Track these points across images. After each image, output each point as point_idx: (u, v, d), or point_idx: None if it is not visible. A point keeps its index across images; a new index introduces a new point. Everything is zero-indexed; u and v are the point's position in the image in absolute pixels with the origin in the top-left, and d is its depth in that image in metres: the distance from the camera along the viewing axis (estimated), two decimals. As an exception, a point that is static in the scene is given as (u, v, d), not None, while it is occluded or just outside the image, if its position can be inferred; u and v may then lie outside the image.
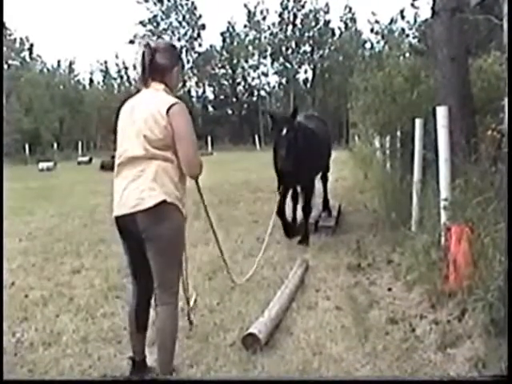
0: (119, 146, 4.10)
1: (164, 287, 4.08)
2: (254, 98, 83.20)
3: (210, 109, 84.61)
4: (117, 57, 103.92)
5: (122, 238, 4.20)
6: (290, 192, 9.81)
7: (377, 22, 74.74)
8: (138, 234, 3.97)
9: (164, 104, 3.90)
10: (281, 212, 9.20)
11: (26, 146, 46.16)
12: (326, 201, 11.44)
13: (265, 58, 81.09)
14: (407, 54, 20.73)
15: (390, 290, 6.45)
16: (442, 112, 6.42)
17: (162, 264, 4.04)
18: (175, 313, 4.15)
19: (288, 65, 79.90)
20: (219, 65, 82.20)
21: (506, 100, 5.36)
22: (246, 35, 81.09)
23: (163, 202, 3.86)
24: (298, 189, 9.84)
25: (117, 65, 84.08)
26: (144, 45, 4.18)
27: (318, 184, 10.55)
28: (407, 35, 64.90)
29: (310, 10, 78.97)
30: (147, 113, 3.91)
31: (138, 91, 4.24)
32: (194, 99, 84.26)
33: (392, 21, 73.76)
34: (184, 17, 79.33)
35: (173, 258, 4.09)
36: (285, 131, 8.16)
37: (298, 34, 79.07)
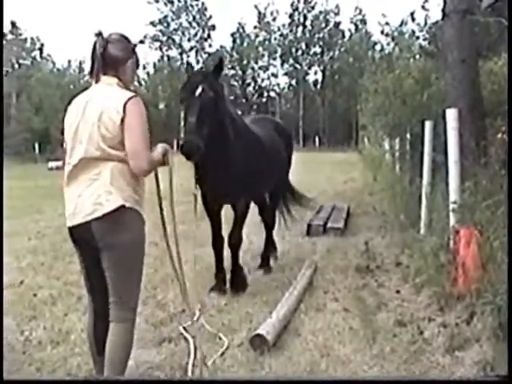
0: (70, 148, 3.70)
1: (120, 302, 3.74)
2: (264, 99, 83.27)
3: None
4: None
5: (78, 250, 3.88)
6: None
7: (387, 23, 74.95)
8: (95, 245, 3.65)
9: (120, 99, 3.58)
10: (217, 242, 6.81)
11: (36, 145, 46.34)
12: (266, 255, 7.94)
13: (274, 59, 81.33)
14: (417, 56, 20.77)
15: (398, 292, 6.43)
16: (452, 114, 6.41)
17: (119, 277, 3.70)
18: (130, 331, 3.80)
19: (298, 66, 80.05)
20: (229, 66, 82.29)
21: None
22: (256, 36, 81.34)
23: (122, 208, 3.55)
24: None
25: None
26: (95, 34, 3.75)
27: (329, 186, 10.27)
28: (417, 37, 64.80)
29: (320, 12, 79.17)
30: (101, 109, 3.56)
31: (87, 88, 3.86)
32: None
33: (402, 23, 73.81)
34: (194, 17, 79.52)
35: (132, 270, 3.75)
36: (200, 90, 5.44)
37: (307, 35, 79.24)
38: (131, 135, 3.54)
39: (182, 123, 5.44)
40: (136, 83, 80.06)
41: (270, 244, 7.97)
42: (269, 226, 8.11)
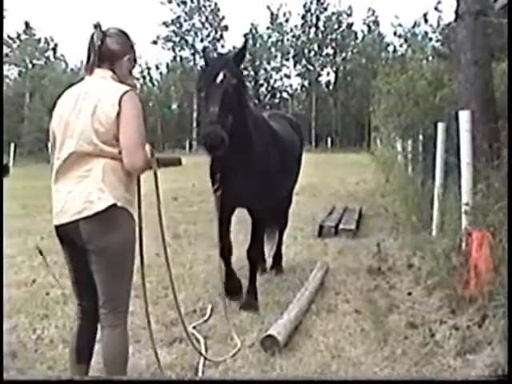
0: (60, 143, 3.53)
1: (111, 306, 3.57)
2: (276, 100, 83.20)
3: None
4: (139, 57, 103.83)
5: (65, 251, 3.72)
6: None
7: (400, 25, 74.45)
8: (82, 246, 3.48)
9: (115, 92, 3.42)
10: (225, 250, 6.23)
11: (49, 145, 46.44)
12: (279, 255, 7.68)
13: (287, 60, 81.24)
14: (430, 58, 20.73)
15: (409, 294, 6.41)
16: (464, 116, 6.39)
17: (109, 281, 3.52)
18: (123, 336, 3.64)
19: (310, 67, 79.86)
20: (242, 66, 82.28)
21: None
22: (269, 37, 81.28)
23: (113, 206, 3.37)
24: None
25: (139, 65, 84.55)
26: (94, 25, 3.63)
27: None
28: (430, 39, 64.48)
29: (333, 13, 78.96)
30: (95, 102, 3.39)
31: (81, 79, 3.70)
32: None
33: (415, 24, 73.43)
34: (207, 18, 79.54)
35: (122, 274, 3.57)
36: (221, 76, 5.03)
37: (320, 36, 79.04)
38: (126, 130, 3.37)
39: (202, 114, 4.97)
40: (149, 84, 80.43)
41: (281, 245, 7.74)
42: (281, 227, 7.73)
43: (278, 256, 7.61)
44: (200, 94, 5.12)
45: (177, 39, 79.65)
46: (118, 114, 3.36)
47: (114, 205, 3.37)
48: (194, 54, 79.88)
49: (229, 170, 5.49)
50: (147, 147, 3.58)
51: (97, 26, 3.61)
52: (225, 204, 5.76)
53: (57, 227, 3.56)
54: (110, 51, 3.62)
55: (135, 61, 3.86)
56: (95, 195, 3.35)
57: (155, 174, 3.77)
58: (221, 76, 4.98)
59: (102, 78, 3.58)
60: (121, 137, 3.37)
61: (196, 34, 79.80)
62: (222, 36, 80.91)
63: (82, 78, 3.68)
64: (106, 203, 3.35)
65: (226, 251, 6.19)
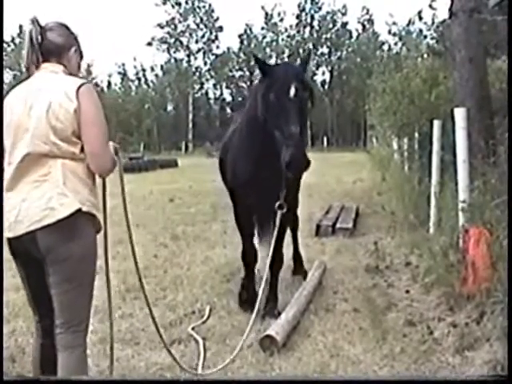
0: (11, 146, 3.15)
1: (69, 325, 3.18)
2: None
3: (228, 111, 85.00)
4: (135, 59, 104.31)
5: (19, 266, 3.31)
6: None
7: (394, 23, 74.73)
8: (39, 257, 3.12)
9: (71, 84, 3.12)
10: (250, 255, 6.03)
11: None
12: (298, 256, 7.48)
13: (282, 59, 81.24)
14: (425, 56, 20.76)
15: (407, 292, 6.42)
16: (460, 114, 6.39)
17: (69, 293, 3.15)
18: (82, 360, 3.27)
19: (305, 66, 79.98)
20: (236, 67, 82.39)
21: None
22: (264, 37, 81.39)
23: (77, 212, 3.03)
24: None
25: (135, 67, 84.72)
26: (30, 20, 3.28)
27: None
28: (425, 36, 64.60)
29: (328, 12, 79.22)
30: (50, 98, 3.08)
31: (27, 78, 3.37)
32: (212, 101, 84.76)
33: (410, 22, 73.64)
34: (201, 19, 79.59)
35: (84, 285, 3.21)
36: (294, 90, 4.50)
37: (315, 35, 79.28)
38: (90, 133, 3.11)
39: (273, 125, 4.54)
40: (144, 86, 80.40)
41: (297, 246, 7.53)
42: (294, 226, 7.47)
43: (297, 258, 7.44)
44: (268, 108, 4.65)
45: (171, 41, 79.72)
46: (77, 108, 3.07)
47: (79, 210, 3.05)
48: (188, 56, 79.96)
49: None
50: (110, 145, 3.38)
51: (34, 21, 3.28)
52: (253, 210, 5.77)
53: (10, 240, 3.16)
54: (55, 45, 3.31)
55: (81, 53, 3.54)
56: (56, 201, 3.02)
57: (121, 175, 3.63)
58: (293, 90, 4.49)
59: (53, 72, 3.28)
60: (85, 141, 3.11)
61: (191, 35, 79.88)
62: (216, 37, 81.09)
63: (29, 76, 3.35)
64: (69, 209, 3.03)
65: (249, 257, 6.01)
